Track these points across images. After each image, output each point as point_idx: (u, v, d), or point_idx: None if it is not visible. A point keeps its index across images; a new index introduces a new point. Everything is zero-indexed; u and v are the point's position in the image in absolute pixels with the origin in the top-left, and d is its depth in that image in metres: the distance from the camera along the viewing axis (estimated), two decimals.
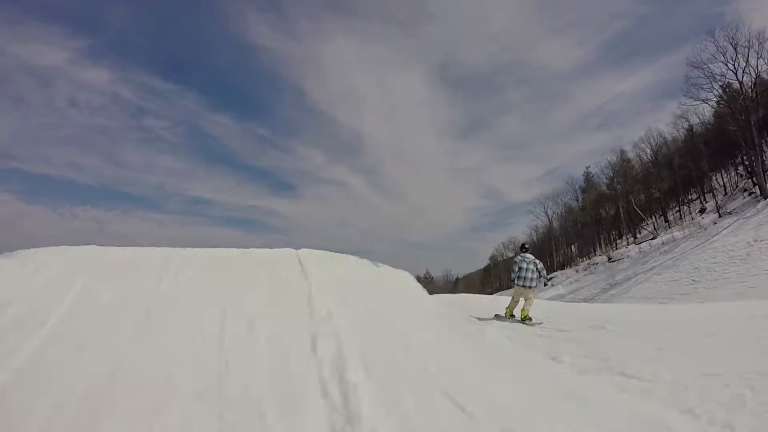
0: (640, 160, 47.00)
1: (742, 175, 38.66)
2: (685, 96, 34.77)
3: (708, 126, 40.44)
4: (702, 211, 36.38)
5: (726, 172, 40.67)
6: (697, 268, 22.39)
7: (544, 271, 8.08)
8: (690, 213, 38.68)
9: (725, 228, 26.62)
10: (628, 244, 39.05)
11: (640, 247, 34.75)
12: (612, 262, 35.77)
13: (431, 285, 79.39)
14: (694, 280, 21.15)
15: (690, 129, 42.38)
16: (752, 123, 29.65)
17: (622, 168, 47.90)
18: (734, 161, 40.64)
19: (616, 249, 40.22)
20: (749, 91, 29.65)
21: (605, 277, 31.98)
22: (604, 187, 49.89)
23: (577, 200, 51.07)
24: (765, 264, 18.49)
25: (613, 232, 48.00)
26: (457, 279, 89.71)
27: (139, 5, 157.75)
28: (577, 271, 39.84)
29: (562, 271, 43.75)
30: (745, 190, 33.31)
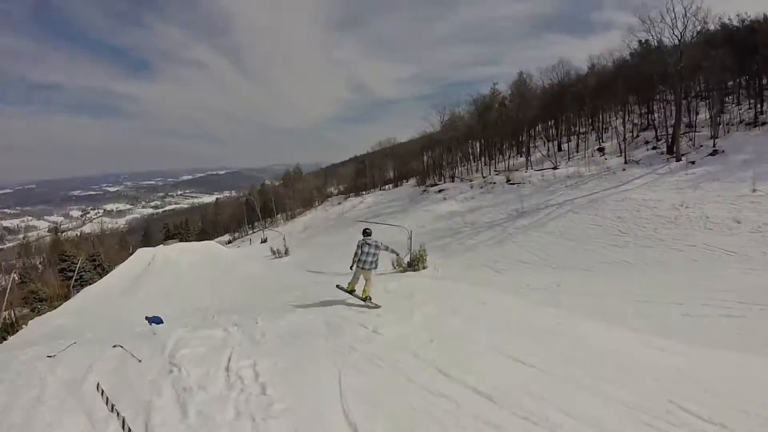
0: (543, 85, 47.47)
1: (636, 123, 40.01)
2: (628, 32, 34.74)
3: (621, 67, 40.70)
4: (601, 150, 37.23)
5: (621, 115, 41.61)
6: (621, 218, 22.06)
7: (391, 247, 8.81)
8: (587, 148, 39.31)
9: (637, 178, 26.95)
10: (526, 168, 38.67)
11: (543, 175, 34.62)
12: (511, 184, 35.35)
13: (300, 179, 74.46)
14: (621, 232, 20.72)
15: (591, 66, 44.55)
16: (681, 88, 30.67)
17: (522, 89, 48.02)
18: (629, 107, 41.61)
19: (510, 170, 39.85)
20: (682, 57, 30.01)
21: (508, 201, 31.25)
22: (499, 105, 49.27)
23: (478, 116, 49.29)
24: (701, 236, 18.26)
25: (504, 151, 47.85)
26: (326, 172, 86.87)
27: None
28: (471, 187, 38.92)
29: (453, 184, 43.01)
30: (647, 143, 34.40)
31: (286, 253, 36.08)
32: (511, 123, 45.54)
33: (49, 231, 75.05)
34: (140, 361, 6.06)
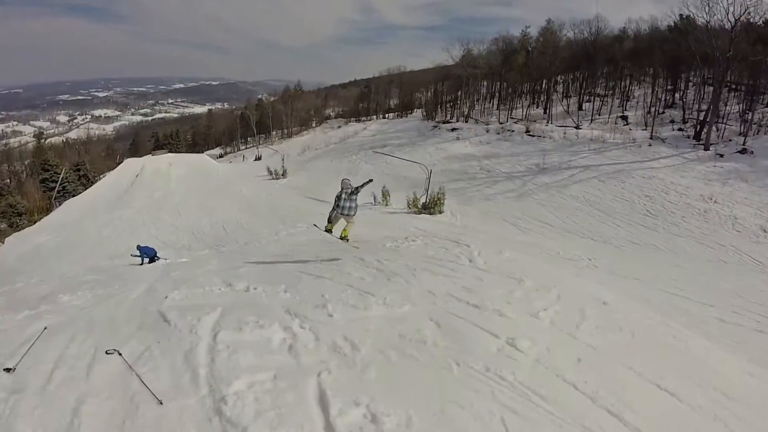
0: (575, 37, 44.83)
1: (659, 98, 38.49)
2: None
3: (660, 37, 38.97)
4: (624, 118, 35.98)
5: (646, 86, 40.10)
6: (649, 197, 21.52)
7: (362, 182, 8.75)
8: (609, 113, 38.10)
9: (664, 158, 26.32)
10: (547, 122, 37.23)
11: (565, 132, 33.46)
12: (531, 135, 34.16)
13: (300, 96, 69.71)
14: (650, 213, 20.22)
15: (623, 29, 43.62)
16: (723, 77, 29.97)
17: (549, 37, 45.27)
18: (654, 81, 40.03)
19: (530, 120, 38.42)
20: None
21: (528, 153, 30.35)
22: (526, 51, 46.62)
23: (503, 57, 46.49)
24: (729, 237, 18.13)
25: (521, 98, 45.98)
26: (326, 93, 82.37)
27: None
28: (487, 131, 37.33)
29: (467, 125, 41.24)
30: (673, 122, 33.29)
31: (284, 174, 34.68)
32: (537, 71, 43.66)
33: (33, 137, 66.90)
34: (161, 402, 3.60)
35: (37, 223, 25.08)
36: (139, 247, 12.97)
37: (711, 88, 31.72)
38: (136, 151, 69.40)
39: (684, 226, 18.86)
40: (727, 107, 31.59)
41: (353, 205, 8.43)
